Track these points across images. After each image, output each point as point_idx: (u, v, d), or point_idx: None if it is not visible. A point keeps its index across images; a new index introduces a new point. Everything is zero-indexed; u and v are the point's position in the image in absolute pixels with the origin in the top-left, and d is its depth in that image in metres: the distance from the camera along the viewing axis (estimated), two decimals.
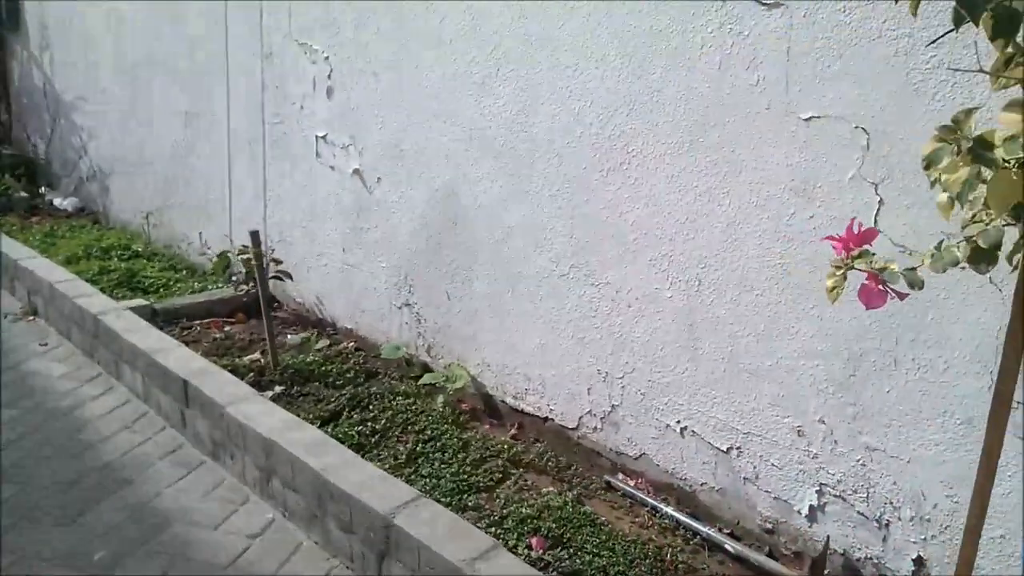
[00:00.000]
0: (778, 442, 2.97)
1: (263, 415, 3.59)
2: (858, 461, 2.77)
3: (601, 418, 3.61)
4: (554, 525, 3.05)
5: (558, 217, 3.59)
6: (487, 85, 3.81)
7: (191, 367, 4.04)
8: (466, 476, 3.38)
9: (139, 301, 5.22)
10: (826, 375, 2.80)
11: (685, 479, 3.32)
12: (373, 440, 3.68)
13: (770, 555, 3.00)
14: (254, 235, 4.24)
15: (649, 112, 3.16)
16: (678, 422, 3.29)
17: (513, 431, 3.95)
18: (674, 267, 3.18)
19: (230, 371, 4.22)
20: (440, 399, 4.08)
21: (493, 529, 3.01)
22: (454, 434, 3.74)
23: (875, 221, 2.57)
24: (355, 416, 3.89)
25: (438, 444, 3.64)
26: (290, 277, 5.05)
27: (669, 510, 3.20)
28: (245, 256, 5.06)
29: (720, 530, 3.10)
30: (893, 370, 2.62)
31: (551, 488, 3.38)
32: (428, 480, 3.33)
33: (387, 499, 2.89)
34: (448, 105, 4.03)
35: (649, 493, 3.38)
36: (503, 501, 3.23)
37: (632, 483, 3.46)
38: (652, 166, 3.19)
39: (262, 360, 4.53)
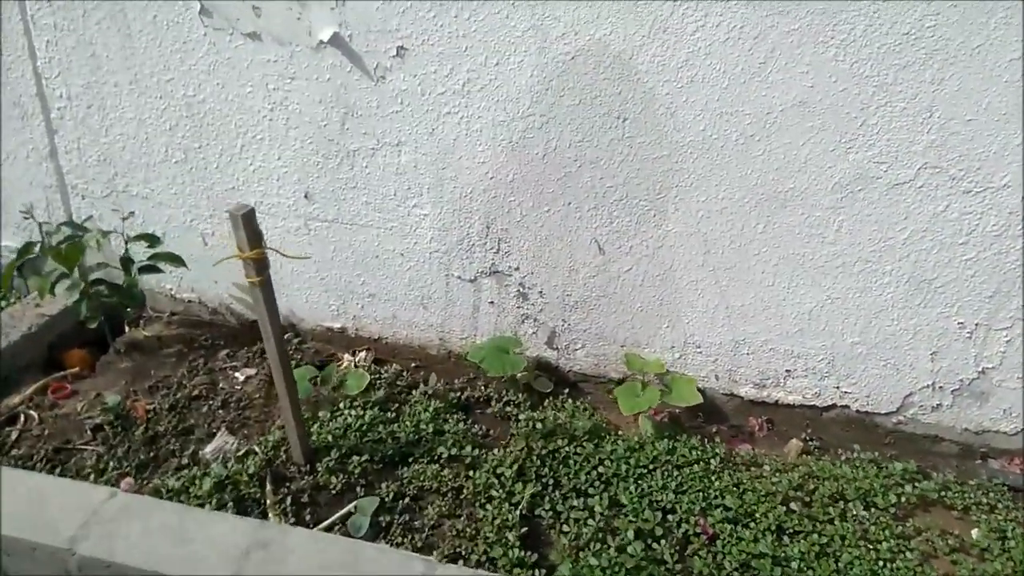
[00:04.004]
0: None
1: None
2: None
3: (953, 391, 2.35)
4: None
5: (899, 84, 2.01)
6: None
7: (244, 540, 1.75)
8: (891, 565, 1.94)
9: None
10: None
11: None
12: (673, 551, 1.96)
13: None
14: (248, 217, 1.84)
15: None
16: None
17: (764, 435, 2.51)
18: None
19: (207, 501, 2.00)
20: (647, 426, 2.41)
21: None
22: (738, 480, 2.19)
23: None
24: (584, 509, 2.07)
25: (758, 515, 2.07)
26: (179, 261, 2.68)
27: None
28: (60, 243, 2.56)
29: None
30: None
31: (978, 531, 2.11)
32: None
33: None
34: None
35: None
36: None
37: (1019, 468, 2.35)
38: None
39: (259, 449, 2.27)
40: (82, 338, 2.86)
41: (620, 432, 2.41)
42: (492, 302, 2.65)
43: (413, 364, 2.77)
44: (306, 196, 2.64)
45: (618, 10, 2.11)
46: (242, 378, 2.63)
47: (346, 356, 2.79)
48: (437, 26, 2.26)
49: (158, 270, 2.71)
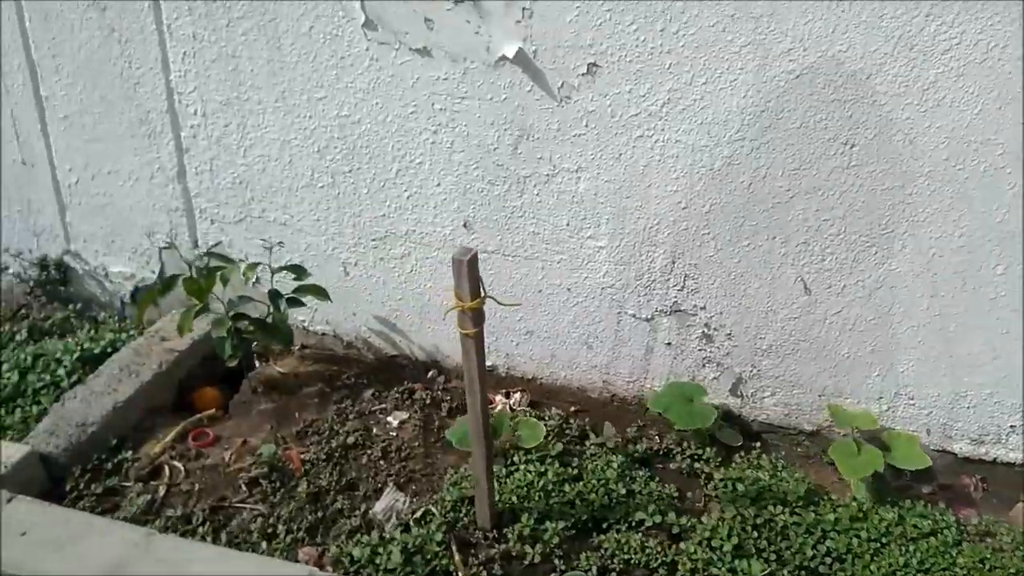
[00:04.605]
0: None
1: None
2: None
3: None
4: None
5: None
6: None
7: None
8: None
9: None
10: None
11: None
12: None
13: None
14: (472, 263, 1.61)
15: None
16: None
17: (981, 497, 2.24)
18: None
19: None
20: (861, 489, 2.15)
21: None
22: (981, 556, 1.93)
23: None
24: None
25: None
26: (324, 295, 2.47)
27: None
28: (202, 274, 2.35)
29: None
30: None
31: None
32: None
33: None
34: None
35: None
36: None
37: None
38: None
39: (436, 510, 2.04)
40: (209, 374, 2.66)
41: (832, 496, 2.15)
42: (669, 343, 2.40)
43: (572, 408, 2.54)
44: (465, 225, 2.41)
45: (858, 25, 1.86)
46: (395, 423, 2.41)
47: (498, 397, 2.55)
48: (638, 41, 2.02)
49: (301, 303, 2.50)
